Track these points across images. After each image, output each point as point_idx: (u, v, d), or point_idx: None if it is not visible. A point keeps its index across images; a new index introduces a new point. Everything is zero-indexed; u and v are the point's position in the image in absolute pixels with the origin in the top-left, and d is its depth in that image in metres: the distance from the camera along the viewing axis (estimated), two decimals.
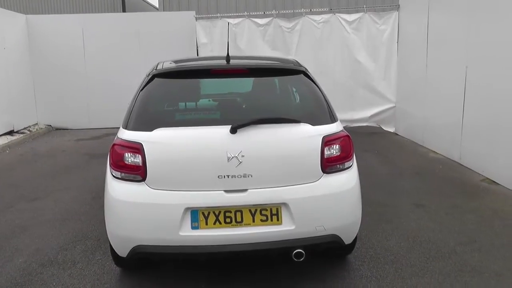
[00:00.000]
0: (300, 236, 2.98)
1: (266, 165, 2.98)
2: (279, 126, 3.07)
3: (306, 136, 3.08)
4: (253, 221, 2.95)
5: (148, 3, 23.45)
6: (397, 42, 9.34)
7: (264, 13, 9.54)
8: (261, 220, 2.95)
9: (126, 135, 3.04)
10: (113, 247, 3.16)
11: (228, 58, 3.42)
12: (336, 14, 9.29)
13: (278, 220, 2.96)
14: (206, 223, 2.91)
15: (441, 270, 3.43)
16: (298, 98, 3.59)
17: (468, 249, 3.77)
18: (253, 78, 3.60)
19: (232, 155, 2.89)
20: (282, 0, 10.75)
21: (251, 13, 9.51)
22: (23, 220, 4.66)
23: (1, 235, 4.29)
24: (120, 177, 3.00)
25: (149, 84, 3.28)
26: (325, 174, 3.06)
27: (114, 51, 9.95)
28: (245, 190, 2.94)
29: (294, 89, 3.66)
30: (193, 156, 2.95)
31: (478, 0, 6.60)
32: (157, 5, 10.16)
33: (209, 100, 3.79)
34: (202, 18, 9.48)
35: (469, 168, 6.12)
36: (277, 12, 9.45)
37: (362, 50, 9.29)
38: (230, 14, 9.55)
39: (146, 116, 3.15)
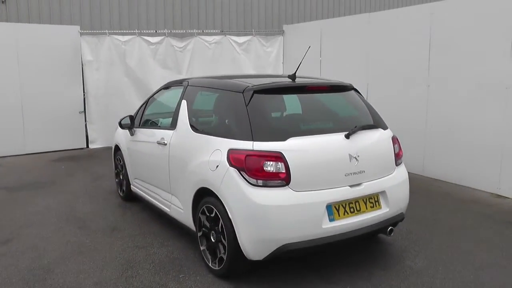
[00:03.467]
0: (391, 216, 3.76)
1: (372, 161, 3.68)
2: (372, 131, 3.86)
3: (385, 138, 3.94)
4: (366, 208, 3.59)
5: None
6: (282, 62, 10.06)
7: (156, 31, 9.40)
8: (370, 207, 3.61)
9: (260, 145, 3.32)
10: (248, 252, 3.32)
11: (294, 76, 3.95)
12: (227, 35, 9.60)
13: (379, 205, 3.68)
14: (339, 215, 3.42)
15: None
16: (361, 109, 4.11)
17: None
18: (330, 94, 4.14)
19: (352, 156, 3.50)
20: (174, 19, 10.70)
21: (142, 31, 9.29)
22: None
23: None
24: (261, 184, 3.26)
25: (252, 99, 3.55)
26: (396, 167, 3.92)
27: None
28: (361, 183, 3.57)
29: (355, 102, 4.15)
30: (324, 159, 3.45)
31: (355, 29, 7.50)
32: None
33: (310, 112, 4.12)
34: (87, 33, 8.97)
35: None
36: (169, 31, 9.39)
37: (251, 69, 9.72)
38: (119, 31, 9.19)
39: (272, 128, 3.56)
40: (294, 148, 3.36)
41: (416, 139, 6.79)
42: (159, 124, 5.00)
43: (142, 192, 5.16)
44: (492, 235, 4.56)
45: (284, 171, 3.29)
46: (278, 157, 3.30)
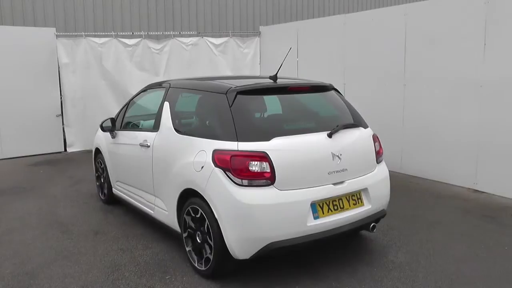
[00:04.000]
0: (373, 212, 3.85)
1: (354, 160, 3.75)
2: (353, 129, 3.94)
3: (366, 136, 4.02)
4: (349, 205, 3.66)
5: None
6: (259, 63, 10.13)
7: (133, 33, 9.32)
8: (353, 204, 3.69)
9: (245, 146, 3.35)
10: (235, 251, 3.34)
11: (275, 77, 3.97)
12: (204, 37, 9.60)
13: (361, 202, 3.76)
14: (323, 212, 3.49)
15: None
16: (342, 108, 4.17)
17: None
18: (311, 94, 4.19)
19: (335, 154, 3.57)
20: (150, 21, 10.65)
21: (118, 33, 9.21)
22: None
23: None
24: (247, 184, 3.30)
25: (236, 100, 3.58)
26: (377, 164, 4.03)
27: None
28: (343, 181, 3.64)
29: (335, 101, 4.23)
30: (307, 158, 3.51)
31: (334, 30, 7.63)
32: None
33: (292, 112, 4.17)
34: (64, 36, 8.83)
35: None
36: (146, 33, 9.33)
37: (228, 71, 9.76)
38: (95, 33, 9.09)
39: (256, 128, 3.61)
40: (278, 147, 3.42)
41: (393, 137, 6.95)
42: (141, 126, 4.99)
43: (124, 195, 5.13)
44: (471, 229, 4.72)
45: (268, 170, 3.34)
46: (262, 156, 3.34)
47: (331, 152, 3.62)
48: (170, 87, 4.43)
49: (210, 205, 3.45)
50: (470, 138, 5.99)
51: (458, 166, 6.18)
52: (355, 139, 3.91)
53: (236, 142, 3.40)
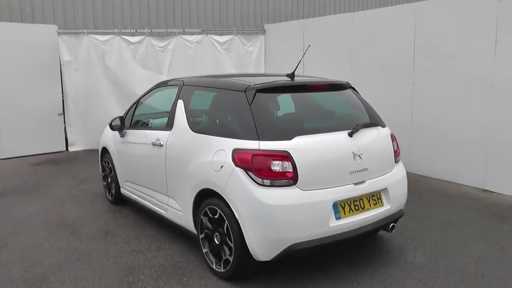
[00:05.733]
0: (392, 212, 3.79)
1: (374, 159, 3.69)
2: (372, 129, 3.88)
3: (385, 135, 3.98)
4: (370, 206, 3.61)
5: None
6: (264, 62, 10.04)
7: (136, 31, 9.21)
8: (373, 204, 3.64)
9: (267, 145, 3.27)
10: (256, 253, 3.27)
11: (293, 75, 3.91)
12: (208, 35, 9.50)
13: (381, 202, 3.71)
14: (345, 213, 3.43)
15: None
16: (359, 107, 4.10)
17: None
18: (329, 92, 4.10)
19: (356, 154, 3.51)
20: (154, 18, 10.53)
21: (122, 31, 9.09)
22: None
23: None
24: (269, 184, 3.22)
25: (255, 98, 3.50)
26: (395, 164, 3.98)
27: None
28: (364, 181, 3.59)
29: (353, 100, 4.15)
30: (329, 158, 3.45)
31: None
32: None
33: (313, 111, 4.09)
34: (65, 33, 8.71)
35: None
36: (150, 30, 9.22)
37: (233, 69, 9.66)
38: (98, 31, 8.96)
39: (277, 126, 3.53)
40: (300, 147, 3.35)
41: (402, 137, 6.85)
42: (152, 125, 4.90)
43: (134, 195, 5.04)
44: (484, 229, 4.67)
45: (291, 170, 3.27)
46: (285, 156, 3.27)
47: (352, 152, 3.55)
48: (183, 84, 4.34)
49: (231, 205, 3.37)
50: (479, 138, 5.95)
51: (467, 166, 6.14)
52: (374, 138, 3.85)
53: (257, 141, 3.33)
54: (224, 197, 3.42)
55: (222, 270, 3.59)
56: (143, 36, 8.97)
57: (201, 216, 3.74)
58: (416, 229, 4.65)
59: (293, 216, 3.25)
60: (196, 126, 3.98)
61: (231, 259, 3.47)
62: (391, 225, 3.80)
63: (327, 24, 8.40)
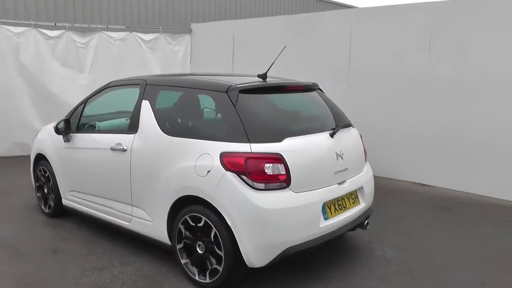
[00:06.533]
0: (365, 209, 3.91)
1: (352, 159, 3.78)
2: (347, 129, 3.96)
3: (356, 135, 4.09)
4: (350, 204, 3.67)
5: None
6: (190, 62, 9.79)
7: (55, 24, 8.35)
8: (352, 203, 3.70)
9: (259, 147, 3.15)
10: (251, 259, 3.14)
11: (265, 76, 3.80)
12: (133, 32, 8.99)
13: (358, 201, 3.80)
14: (331, 213, 3.44)
15: None
16: (331, 107, 4.12)
17: None
18: (303, 93, 4.07)
19: (338, 154, 3.56)
20: (75, 12, 9.65)
21: (38, 23, 8.16)
22: None
23: None
24: (263, 187, 3.11)
25: (239, 99, 3.36)
26: (366, 163, 4.12)
27: None
28: (345, 181, 3.63)
29: (325, 101, 4.16)
30: (317, 158, 3.46)
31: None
32: None
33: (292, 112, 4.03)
34: None
35: None
36: (70, 25, 8.43)
37: (158, 69, 9.27)
38: (9, 21, 7.94)
39: (267, 128, 3.38)
40: (290, 148, 3.28)
41: None
42: (107, 128, 4.48)
43: (82, 206, 4.56)
44: (435, 220, 5.04)
45: (284, 172, 3.19)
46: (277, 158, 3.18)
47: (335, 152, 3.59)
48: (146, 84, 4.01)
49: (221, 211, 3.19)
50: (412, 135, 6.41)
51: (404, 163, 6.58)
52: (350, 139, 3.94)
53: (248, 144, 3.19)
54: (213, 204, 3.22)
55: (207, 280, 3.38)
56: (63, 31, 8.16)
57: (179, 225, 3.49)
58: (375, 225, 4.83)
59: (288, 219, 3.18)
60: (170, 128, 3.70)
61: (220, 268, 3.28)
62: (366, 222, 3.90)
63: (261, 26, 8.43)
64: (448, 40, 5.99)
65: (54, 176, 4.83)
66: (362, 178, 3.92)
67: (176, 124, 3.83)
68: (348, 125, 4.02)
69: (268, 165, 3.15)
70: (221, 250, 3.25)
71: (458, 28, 5.91)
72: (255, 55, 8.28)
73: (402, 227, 4.81)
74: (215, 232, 3.25)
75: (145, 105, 3.88)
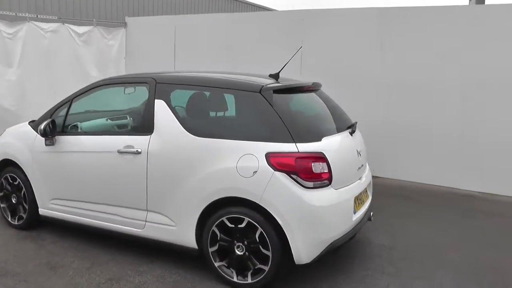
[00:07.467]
0: (371, 202, 4.11)
1: (364, 155, 4.07)
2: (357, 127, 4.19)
3: (360, 133, 4.23)
4: (365, 198, 3.94)
5: None
6: (125, 58, 9.30)
7: None
8: (366, 197, 3.95)
9: (304, 147, 3.23)
10: (302, 256, 3.21)
11: (277, 76, 3.90)
12: (66, 24, 8.25)
13: (368, 195, 4.06)
14: (357, 207, 3.63)
15: None
16: (338, 106, 4.24)
17: None
18: (317, 92, 4.16)
19: (358, 151, 3.82)
20: None
21: None
22: None
23: None
24: (312, 186, 3.21)
25: (274, 99, 3.40)
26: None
27: None
28: (362, 176, 3.88)
29: (332, 100, 4.25)
30: (347, 156, 3.66)
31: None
32: None
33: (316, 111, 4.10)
34: None
35: None
36: None
37: (92, 64, 8.66)
38: None
39: (307, 128, 3.51)
40: (330, 147, 3.41)
41: None
42: (108, 130, 4.18)
43: (68, 215, 4.15)
44: (402, 209, 5.52)
45: (327, 170, 3.31)
46: (321, 157, 3.29)
47: (356, 149, 3.81)
48: (157, 83, 3.80)
49: (270, 211, 3.20)
50: (375, 132, 6.80)
51: (370, 158, 7.01)
52: (360, 136, 4.19)
53: (293, 144, 3.25)
54: (261, 204, 3.22)
55: (249, 281, 3.36)
56: None
57: (213, 228, 3.41)
58: None
59: (333, 215, 3.34)
60: (199, 129, 3.56)
61: (265, 267, 3.29)
62: (371, 214, 4.18)
63: (204, 22, 8.34)
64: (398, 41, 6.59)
65: (29, 184, 4.31)
66: (369, 173, 4.21)
67: (205, 124, 3.71)
68: (356, 122, 4.26)
69: (315, 164, 3.24)
70: (267, 250, 3.25)
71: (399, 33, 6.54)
72: (196, 51, 8.16)
73: (384, 217, 5.13)
74: (261, 232, 3.25)
75: (160, 104, 3.68)
